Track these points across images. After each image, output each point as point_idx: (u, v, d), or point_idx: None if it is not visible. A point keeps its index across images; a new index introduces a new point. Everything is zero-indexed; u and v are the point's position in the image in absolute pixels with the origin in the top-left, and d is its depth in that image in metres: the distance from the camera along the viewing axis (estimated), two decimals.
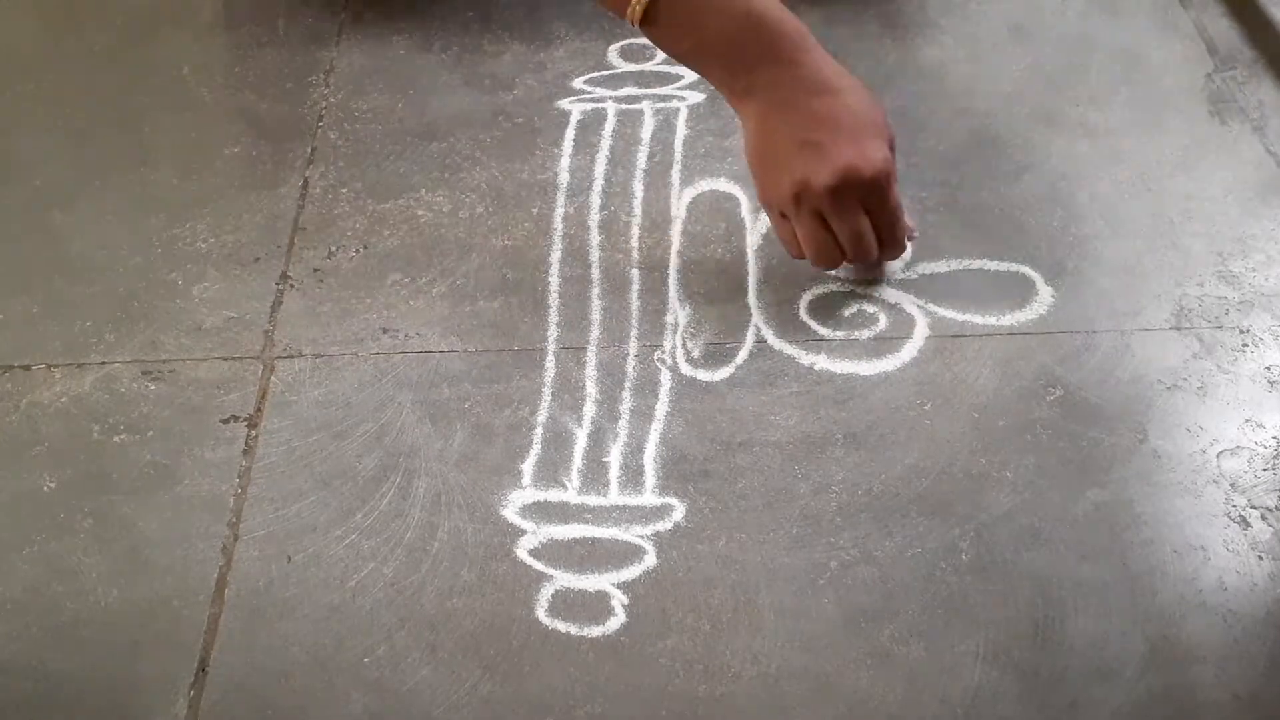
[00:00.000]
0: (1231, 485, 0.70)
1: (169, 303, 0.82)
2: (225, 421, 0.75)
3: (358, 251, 0.85)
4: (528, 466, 0.72)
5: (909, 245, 0.80)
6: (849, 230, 0.69)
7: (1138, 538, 0.68)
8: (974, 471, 0.71)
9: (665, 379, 0.76)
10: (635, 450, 0.73)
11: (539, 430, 0.74)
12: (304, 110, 0.97)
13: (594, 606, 0.65)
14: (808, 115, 0.65)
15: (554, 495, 0.71)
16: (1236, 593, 0.65)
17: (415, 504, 0.70)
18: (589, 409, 0.75)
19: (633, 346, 0.78)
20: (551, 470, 0.72)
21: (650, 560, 0.67)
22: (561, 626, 0.65)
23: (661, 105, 0.95)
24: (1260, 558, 0.66)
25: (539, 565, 0.67)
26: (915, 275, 0.82)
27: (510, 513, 0.70)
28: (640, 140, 0.93)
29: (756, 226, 0.85)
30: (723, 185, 0.89)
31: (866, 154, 0.65)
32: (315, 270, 0.84)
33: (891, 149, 0.69)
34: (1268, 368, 0.76)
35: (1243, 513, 0.68)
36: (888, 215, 0.70)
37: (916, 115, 0.94)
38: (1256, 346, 0.77)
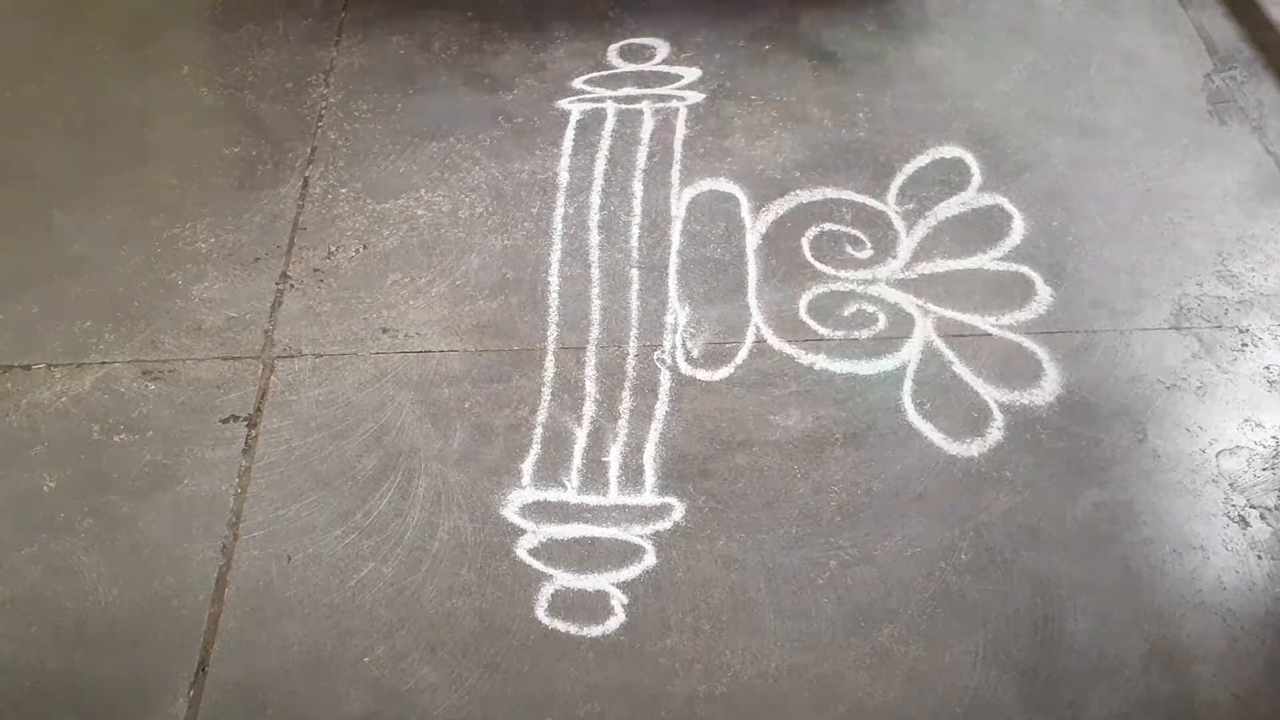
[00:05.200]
0: (1230, 485, 0.70)
1: (169, 303, 0.82)
2: (225, 421, 0.75)
3: (357, 251, 0.85)
4: (527, 466, 0.72)
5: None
6: None
7: (1137, 537, 0.68)
8: (973, 471, 0.71)
9: (665, 379, 0.76)
10: (635, 450, 0.73)
11: (538, 430, 0.74)
12: (304, 110, 0.97)
13: (594, 606, 0.65)
14: None
15: (554, 495, 0.71)
16: (1235, 592, 0.65)
17: (415, 503, 0.70)
18: (588, 409, 0.75)
19: (632, 346, 0.79)
20: (551, 470, 0.72)
21: (650, 560, 0.67)
22: (561, 626, 0.65)
23: (661, 105, 0.95)
24: (1259, 557, 0.67)
25: (539, 565, 0.67)
26: (914, 275, 0.82)
27: (510, 512, 0.70)
28: (640, 140, 0.93)
29: (756, 226, 0.85)
30: (722, 185, 0.89)
31: None
32: (315, 270, 0.84)
33: None
34: (1267, 367, 0.76)
35: (1242, 512, 0.69)
36: None
37: (916, 115, 0.94)
38: (1256, 346, 0.77)
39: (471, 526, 0.69)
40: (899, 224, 0.85)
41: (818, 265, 0.82)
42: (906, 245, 0.83)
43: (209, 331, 0.80)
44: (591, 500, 0.71)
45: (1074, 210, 0.87)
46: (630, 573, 0.67)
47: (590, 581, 0.67)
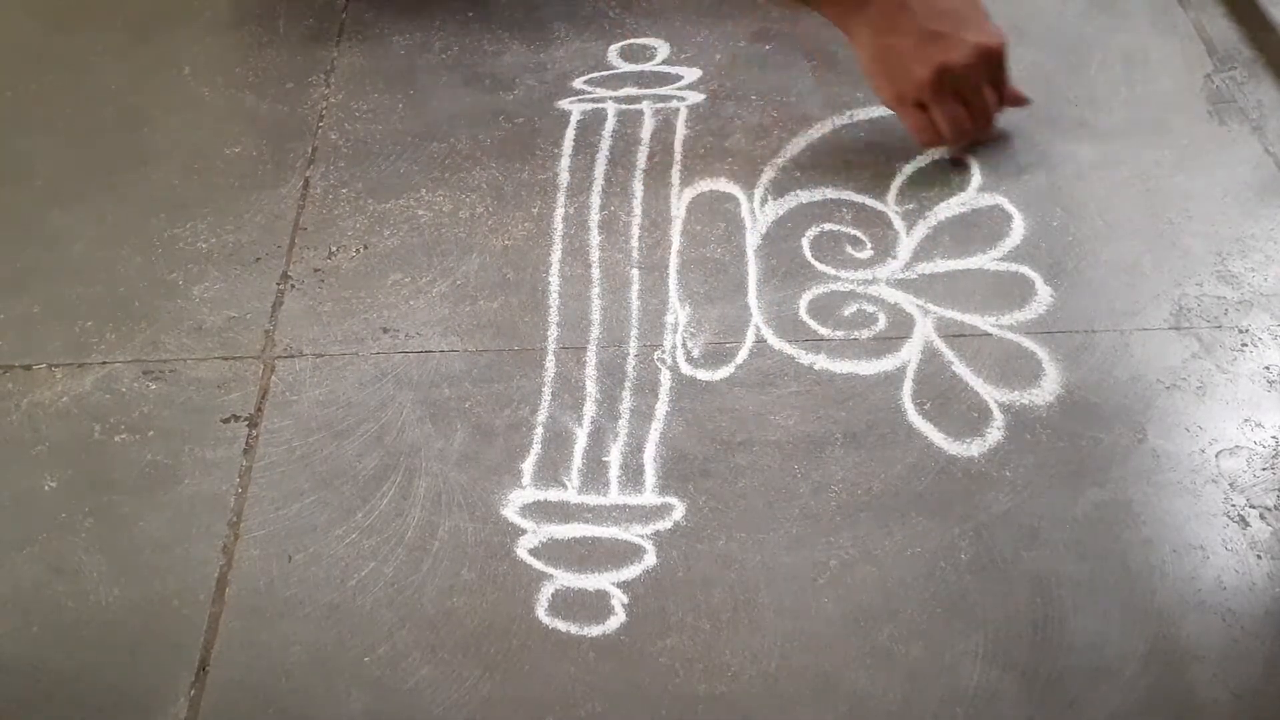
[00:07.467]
0: (1230, 484, 0.70)
1: (169, 303, 0.82)
2: (226, 421, 0.75)
3: (358, 251, 0.85)
4: (528, 466, 0.72)
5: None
6: (982, 103, 0.81)
7: (1137, 537, 0.68)
8: (973, 471, 0.71)
9: (665, 378, 0.76)
10: (635, 450, 0.73)
11: (539, 430, 0.74)
12: (304, 110, 0.97)
13: (594, 606, 0.65)
14: (927, 10, 0.75)
15: (554, 495, 0.71)
16: (1235, 592, 0.65)
17: (415, 503, 0.70)
18: (589, 409, 0.75)
19: (633, 346, 0.79)
20: (551, 470, 0.72)
21: (650, 559, 0.67)
22: (561, 626, 0.65)
23: (661, 105, 0.95)
24: (1259, 557, 0.67)
25: (539, 565, 0.67)
26: (914, 275, 0.82)
27: (510, 512, 0.70)
28: (640, 140, 0.93)
29: (756, 226, 0.85)
30: (722, 185, 0.89)
31: (991, 34, 0.78)
32: (316, 270, 0.84)
33: None
34: (1266, 367, 0.76)
35: (1241, 512, 0.69)
36: (1004, 87, 0.83)
37: None
38: (1255, 346, 0.77)
39: (472, 526, 0.69)
40: (899, 224, 0.85)
41: (818, 265, 0.82)
42: (906, 245, 0.83)
43: (210, 331, 0.80)
44: (592, 500, 0.70)
45: (1074, 210, 0.87)
46: (630, 572, 0.67)
47: (590, 581, 0.67)
